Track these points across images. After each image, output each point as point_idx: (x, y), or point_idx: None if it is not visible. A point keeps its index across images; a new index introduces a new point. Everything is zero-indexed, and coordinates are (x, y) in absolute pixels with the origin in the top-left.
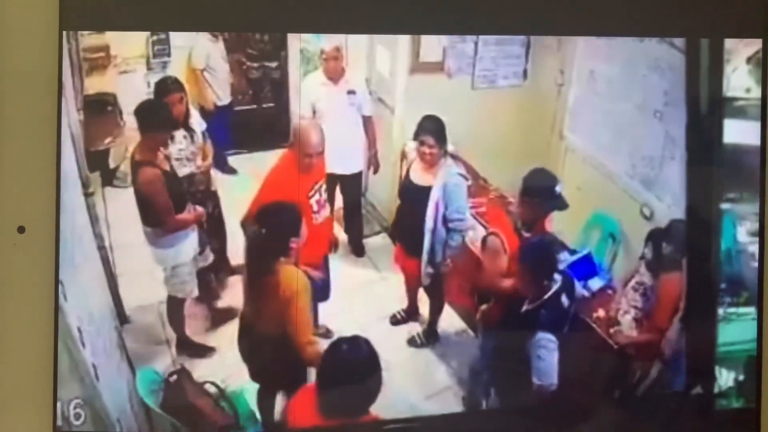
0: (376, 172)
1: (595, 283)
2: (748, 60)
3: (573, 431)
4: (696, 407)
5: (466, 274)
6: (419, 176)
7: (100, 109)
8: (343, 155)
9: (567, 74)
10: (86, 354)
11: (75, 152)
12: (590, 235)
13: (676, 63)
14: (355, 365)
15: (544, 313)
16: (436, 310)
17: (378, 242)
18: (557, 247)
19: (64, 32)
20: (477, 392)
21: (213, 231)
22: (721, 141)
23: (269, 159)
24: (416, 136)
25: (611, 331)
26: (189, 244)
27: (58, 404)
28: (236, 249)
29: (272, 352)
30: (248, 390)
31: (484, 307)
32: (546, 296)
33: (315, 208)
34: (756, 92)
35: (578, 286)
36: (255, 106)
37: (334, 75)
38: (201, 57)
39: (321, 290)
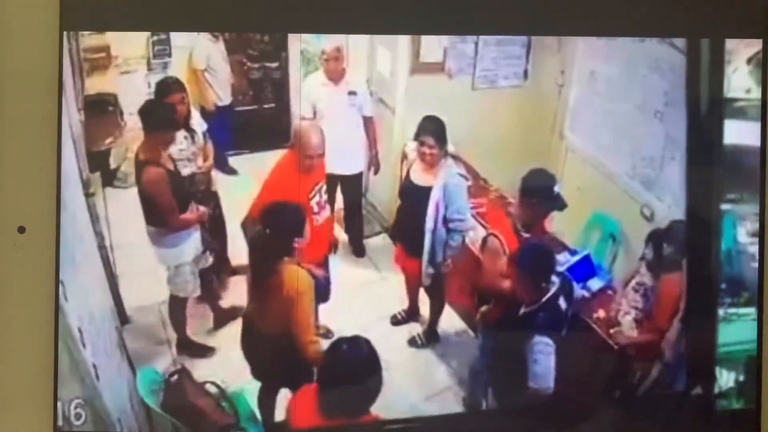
0: (376, 172)
1: (596, 284)
2: (749, 61)
3: (573, 431)
4: (696, 408)
5: (466, 274)
6: (420, 177)
7: (101, 110)
8: (343, 156)
9: (567, 74)
10: (87, 354)
11: (75, 152)
12: (590, 235)
13: (677, 63)
14: (355, 365)
15: (541, 317)
16: (436, 311)
17: (378, 243)
18: (555, 250)
19: (65, 32)
20: (477, 393)
21: (214, 231)
22: (721, 141)
23: (270, 159)
24: (417, 136)
25: (611, 331)
26: (192, 243)
27: (59, 404)
28: (237, 249)
29: (276, 352)
30: (249, 390)
31: (484, 308)
32: (543, 300)
33: (315, 209)
34: (756, 93)
35: (577, 287)
36: (256, 107)
37: (335, 76)
38: (202, 57)
39: (322, 291)
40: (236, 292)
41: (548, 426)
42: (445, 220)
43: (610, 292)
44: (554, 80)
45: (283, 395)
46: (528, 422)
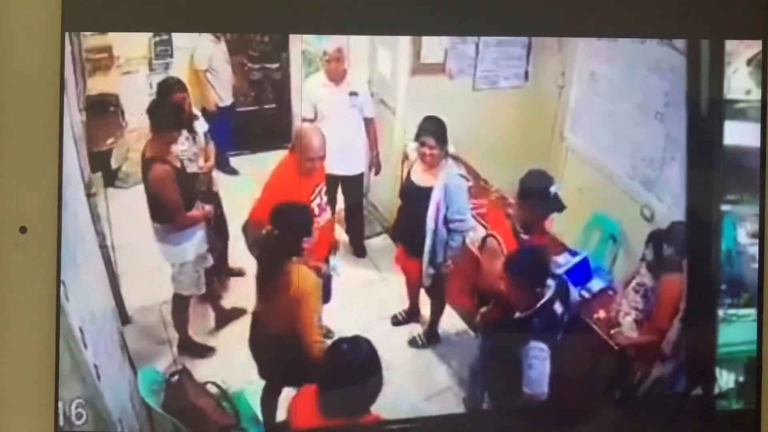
0: (377, 173)
1: (596, 285)
2: (749, 62)
3: None
4: (696, 408)
5: (466, 275)
6: (420, 177)
7: (103, 110)
8: (344, 157)
9: (568, 75)
10: (88, 354)
11: (77, 153)
12: (590, 236)
13: (677, 64)
14: (355, 365)
15: (536, 322)
16: (437, 311)
17: (379, 243)
18: (554, 251)
19: (67, 33)
20: (477, 393)
21: (215, 231)
22: (721, 142)
23: (271, 160)
24: (417, 137)
25: (612, 332)
26: (197, 241)
27: (60, 404)
28: (237, 250)
29: (283, 352)
30: (250, 390)
31: (483, 309)
32: (538, 305)
33: (316, 211)
34: (756, 94)
35: (575, 290)
36: (257, 108)
37: (336, 76)
38: (203, 58)
39: (323, 291)
40: (238, 293)
41: (548, 426)
42: (446, 221)
43: (610, 292)
44: (555, 81)
45: (285, 395)
46: (528, 422)
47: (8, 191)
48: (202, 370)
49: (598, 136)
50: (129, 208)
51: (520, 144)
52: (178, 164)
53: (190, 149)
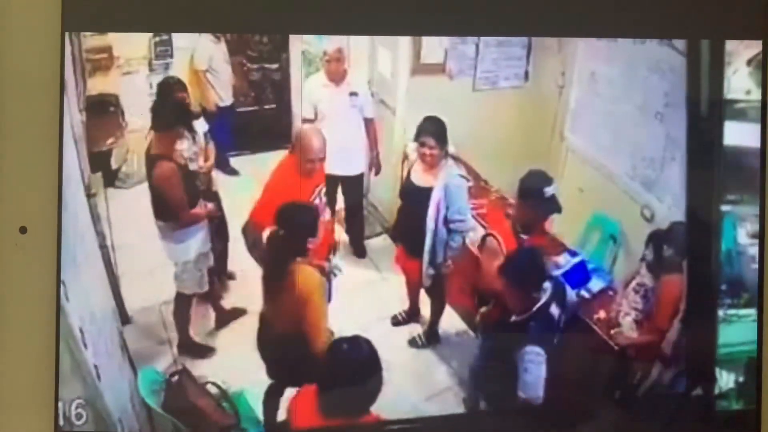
0: (377, 173)
1: (596, 285)
2: (749, 62)
3: None
4: (696, 408)
5: (466, 275)
6: (420, 177)
7: (103, 110)
8: (344, 157)
9: (568, 76)
10: (88, 354)
11: (77, 153)
12: (591, 236)
13: (677, 65)
14: (355, 365)
15: (532, 325)
16: (437, 311)
17: (379, 243)
18: (545, 258)
19: (67, 33)
20: (477, 393)
21: (215, 231)
22: (721, 143)
23: (271, 160)
24: (417, 137)
25: (612, 332)
26: (200, 239)
27: (60, 404)
28: (237, 251)
29: (292, 352)
30: (250, 391)
31: (483, 309)
32: (534, 309)
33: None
34: (756, 94)
35: (572, 292)
36: (257, 108)
37: (336, 77)
38: (203, 58)
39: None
40: (238, 294)
41: (549, 426)
42: (446, 221)
43: (610, 293)
44: (555, 81)
45: (285, 395)
46: (528, 422)
47: (8, 191)
48: (202, 370)
49: (598, 137)
50: (129, 209)
51: (520, 144)
52: (182, 162)
53: (190, 149)
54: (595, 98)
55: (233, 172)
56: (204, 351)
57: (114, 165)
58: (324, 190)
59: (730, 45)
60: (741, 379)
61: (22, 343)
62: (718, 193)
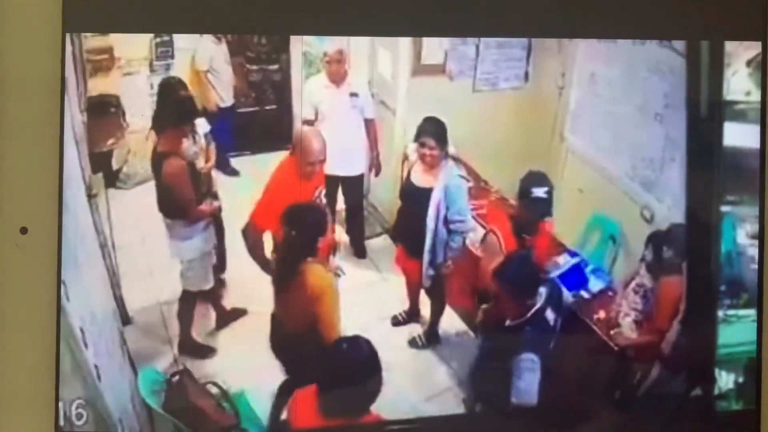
0: (377, 174)
1: (596, 285)
2: (748, 63)
3: None
4: (696, 409)
5: (467, 275)
6: (420, 178)
7: (104, 111)
8: (345, 158)
9: (568, 77)
10: (88, 354)
11: (78, 154)
12: (590, 237)
13: (677, 66)
14: (355, 365)
15: (527, 330)
16: (437, 312)
17: (379, 244)
18: (538, 264)
19: (68, 34)
20: (477, 393)
21: (215, 231)
22: (721, 144)
23: (271, 161)
24: (417, 138)
25: (611, 332)
26: (206, 236)
27: (60, 404)
28: (236, 252)
29: (305, 351)
30: (250, 391)
31: (484, 306)
32: (528, 314)
33: None
34: (756, 95)
35: (568, 294)
36: (257, 109)
37: (337, 78)
38: (204, 59)
39: None
40: (238, 294)
41: (548, 427)
42: (446, 222)
43: (610, 293)
44: (554, 82)
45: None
46: (528, 423)
47: (9, 192)
48: (202, 370)
49: (598, 137)
50: (130, 209)
51: (520, 145)
52: (189, 159)
53: (191, 148)
54: (595, 99)
55: (234, 173)
56: (205, 351)
57: (115, 165)
58: (323, 191)
59: (730, 46)
60: (740, 379)
61: (23, 343)
62: (718, 194)
